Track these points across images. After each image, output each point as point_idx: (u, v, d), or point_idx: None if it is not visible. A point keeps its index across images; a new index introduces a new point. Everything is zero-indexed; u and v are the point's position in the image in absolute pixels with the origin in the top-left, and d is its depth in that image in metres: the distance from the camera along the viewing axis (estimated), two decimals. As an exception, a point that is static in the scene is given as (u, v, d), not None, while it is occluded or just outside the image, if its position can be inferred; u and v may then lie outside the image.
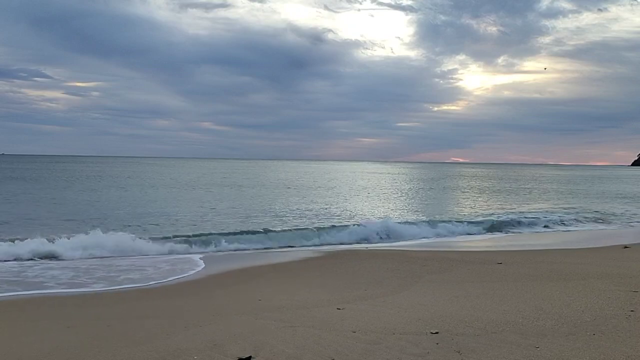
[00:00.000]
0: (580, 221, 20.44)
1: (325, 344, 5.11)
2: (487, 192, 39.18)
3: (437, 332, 5.48)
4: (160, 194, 30.08)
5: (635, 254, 11.78)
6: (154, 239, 13.10)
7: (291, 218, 19.33)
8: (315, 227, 16.38)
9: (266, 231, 15.31)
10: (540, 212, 22.92)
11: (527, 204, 28.35)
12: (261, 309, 6.74)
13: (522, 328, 5.67)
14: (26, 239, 11.80)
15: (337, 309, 6.68)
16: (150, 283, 9.06)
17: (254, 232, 15.12)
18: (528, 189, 44.51)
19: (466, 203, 28.64)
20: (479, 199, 31.31)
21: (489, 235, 16.96)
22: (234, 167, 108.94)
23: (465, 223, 18.08)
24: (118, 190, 33.05)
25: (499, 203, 28.63)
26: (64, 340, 5.44)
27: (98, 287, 8.65)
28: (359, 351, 4.91)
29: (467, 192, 39.17)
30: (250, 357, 4.75)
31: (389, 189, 41.43)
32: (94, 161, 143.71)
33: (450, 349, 4.96)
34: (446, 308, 6.63)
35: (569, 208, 25.21)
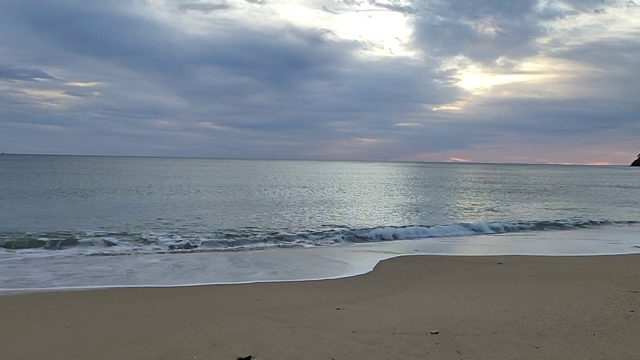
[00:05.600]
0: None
1: (325, 344, 5.09)
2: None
3: (437, 332, 5.47)
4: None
5: (635, 255, 11.77)
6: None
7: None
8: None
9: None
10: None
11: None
12: (260, 309, 6.72)
13: (522, 328, 5.66)
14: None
15: (337, 309, 6.66)
16: (149, 284, 9.05)
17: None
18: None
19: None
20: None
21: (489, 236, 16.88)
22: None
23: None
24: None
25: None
26: (63, 340, 5.42)
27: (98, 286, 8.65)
28: (359, 351, 4.90)
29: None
30: (250, 357, 4.73)
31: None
32: (100, 161, 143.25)
33: (450, 349, 4.95)
34: (446, 308, 6.62)
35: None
